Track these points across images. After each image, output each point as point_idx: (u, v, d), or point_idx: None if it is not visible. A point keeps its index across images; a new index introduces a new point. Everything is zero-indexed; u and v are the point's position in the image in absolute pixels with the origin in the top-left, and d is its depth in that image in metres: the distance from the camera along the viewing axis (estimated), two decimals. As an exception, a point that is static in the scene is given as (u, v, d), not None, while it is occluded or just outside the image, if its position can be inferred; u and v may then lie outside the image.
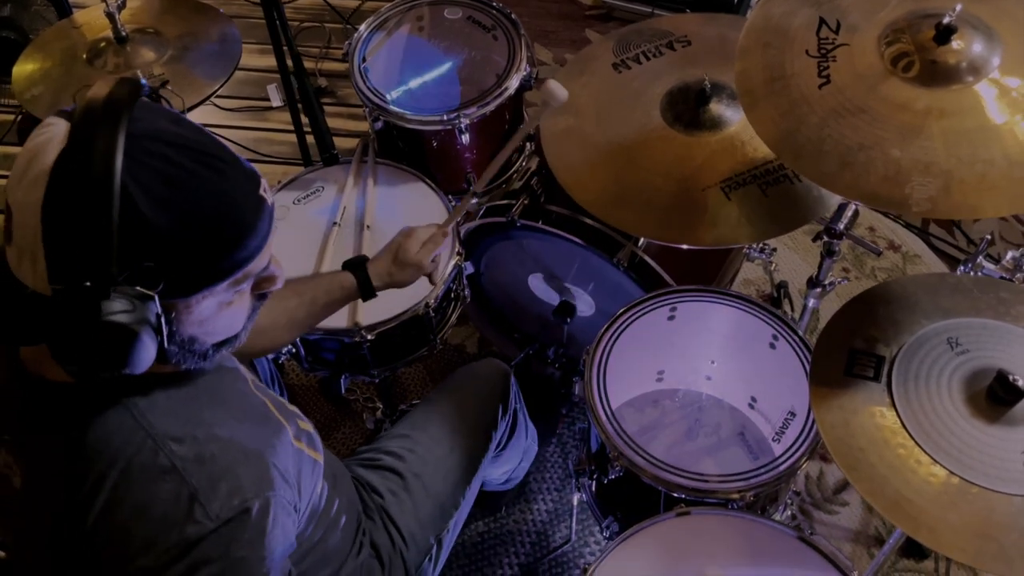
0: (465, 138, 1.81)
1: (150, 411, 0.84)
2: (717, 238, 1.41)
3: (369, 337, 1.54)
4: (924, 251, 2.32)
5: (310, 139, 1.99)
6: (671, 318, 1.52)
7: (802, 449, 1.31)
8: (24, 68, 1.79)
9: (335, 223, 1.69)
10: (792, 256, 2.31)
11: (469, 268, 1.77)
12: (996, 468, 1.07)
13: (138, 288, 0.75)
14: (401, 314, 1.56)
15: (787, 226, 1.43)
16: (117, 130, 0.73)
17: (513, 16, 1.92)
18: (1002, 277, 1.43)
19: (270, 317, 1.24)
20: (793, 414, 1.42)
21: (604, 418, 1.36)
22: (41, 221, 0.73)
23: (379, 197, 1.75)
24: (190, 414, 0.87)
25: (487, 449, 1.47)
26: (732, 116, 1.50)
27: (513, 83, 1.81)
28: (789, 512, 1.53)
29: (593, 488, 1.57)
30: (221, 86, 1.76)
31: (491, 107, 1.79)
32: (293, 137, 2.18)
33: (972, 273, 1.43)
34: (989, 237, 1.47)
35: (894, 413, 1.13)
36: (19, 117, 2.58)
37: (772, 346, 1.47)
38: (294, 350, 1.64)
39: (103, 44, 1.79)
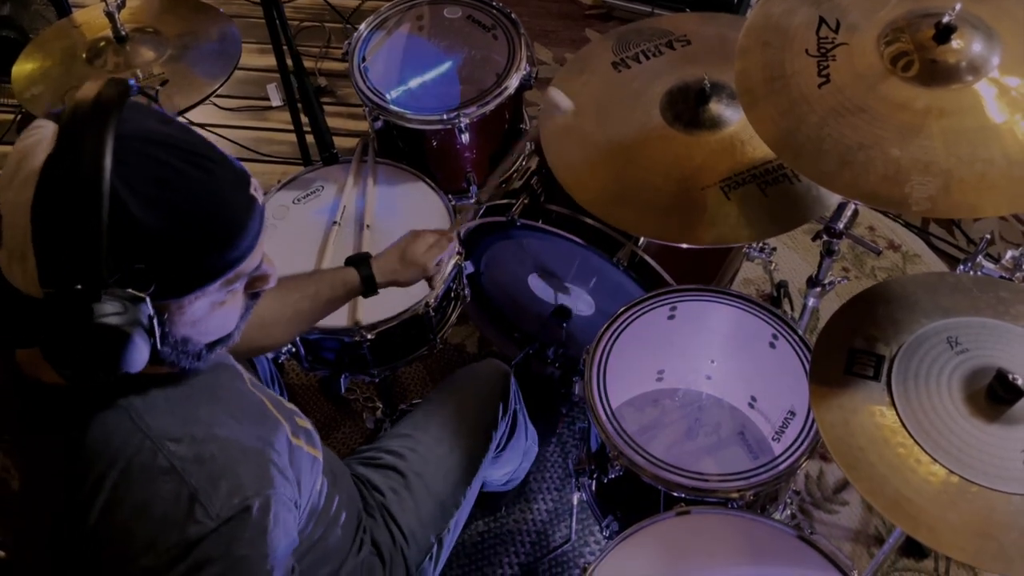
0: (465, 137, 1.81)
1: (147, 412, 0.84)
2: (717, 237, 1.41)
3: (369, 336, 1.54)
4: (924, 250, 2.32)
5: (310, 139, 1.99)
6: (671, 317, 1.52)
7: (802, 448, 1.31)
8: (24, 67, 1.79)
9: (335, 222, 1.69)
10: (792, 255, 2.31)
11: (469, 267, 1.77)
12: (996, 467, 1.07)
13: (129, 290, 0.74)
14: (401, 313, 1.56)
15: (787, 225, 1.43)
16: (105, 131, 0.73)
17: (513, 15, 1.92)
18: (1002, 276, 1.43)
19: (275, 312, 1.25)
20: (793, 413, 1.43)
21: (604, 417, 1.36)
22: (31, 224, 0.73)
23: (379, 196, 1.75)
24: (187, 414, 0.87)
25: (487, 449, 1.47)
26: (732, 116, 1.50)
27: (513, 82, 1.81)
28: (789, 511, 1.53)
29: (593, 487, 1.57)
30: (221, 85, 1.76)
31: (491, 106, 1.79)
32: (293, 137, 2.18)
33: (972, 272, 1.43)
34: (989, 236, 1.47)
35: (894, 412, 1.13)
36: (19, 116, 2.58)
37: (772, 345, 1.47)
38: (294, 349, 1.64)
39: (103, 43, 1.80)
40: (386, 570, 1.28)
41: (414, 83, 1.86)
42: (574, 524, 1.86)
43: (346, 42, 1.90)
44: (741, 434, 1.53)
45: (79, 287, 0.72)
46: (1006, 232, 2.33)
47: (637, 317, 1.48)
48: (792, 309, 2.16)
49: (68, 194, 0.72)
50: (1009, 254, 1.44)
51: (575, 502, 1.84)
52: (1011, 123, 1.11)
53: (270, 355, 1.57)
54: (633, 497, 1.45)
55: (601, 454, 1.45)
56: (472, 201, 1.94)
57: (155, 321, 0.77)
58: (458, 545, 1.82)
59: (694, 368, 1.59)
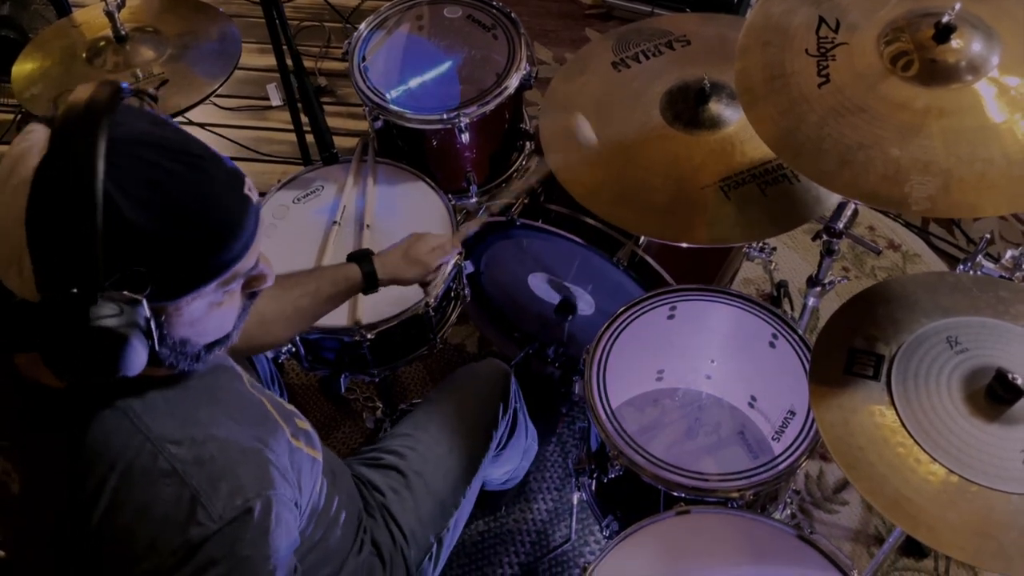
0: (465, 137, 1.81)
1: (147, 414, 0.84)
2: (716, 237, 1.41)
3: (369, 336, 1.54)
4: (924, 250, 2.32)
5: (310, 138, 1.99)
6: (671, 317, 1.52)
7: (802, 448, 1.31)
8: (23, 67, 1.79)
9: (335, 222, 1.69)
10: (792, 255, 2.31)
11: (469, 267, 1.77)
12: (995, 467, 1.07)
13: (126, 293, 0.74)
14: (401, 313, 1.56)
15: (786, 225, 1.43)
16: (97, 135, 0.73)
17: (513, 15, 1.92)
18: (1001, 276, 1.43)
19: (275, 309, 1.25)
20: (793, 413, 1.43)
21: (604, 417, 1.36)
22: (25, 229, 0.73)
23: (379, 196, 1.74)
24: (187, 415, 0.87)
25: (487, 448, 1.47)
26: (731, 115, 1.50)
27: (513, 82, 1.81)
28: (789, 511, 1.53)
29: (593, 487, 1.57)
30: (221, 85, 1.76)
31: (491, 106, 1.79)
32: (293, 136, 2.18)
33: (971, 272, 1.44)
34: (988, 236, 1.47)
35: (893, 412, 1.13)
36: (19, 116, 2.58)
37: (772, 345, 1.47)
38: (294, 349, 1.64)
39: (102, 43, 1.79)
40: (386, 570, 1.28)
41: (414, 83, 1.86)
42: (574, 524, 1.86)
43: (346, 42, 1.90)
44: (741, 434, 1.53)
45: (75, 291, 0.72)
46: (1006, 232, 2.33)
47: (637, 317, 1.48)
48: (792, 309, 2.16)
49: (61, 199, 0.72)
50: (1009, 254, 1.44)
51: (575, 502, 1.84)
52: (1011, 123, 1.11)
53: (270, 355, 1.57)
54: (633, 497, 1.45)
55: (601, 454, 1.45)
56: (473, 201, 1.94)
57: (152, 323, 0.77)
58: (458, 545, 1.82)
59: (694, 368, 1.59)
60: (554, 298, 1.83)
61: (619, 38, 1.68)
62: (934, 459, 1.08)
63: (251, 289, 0.91)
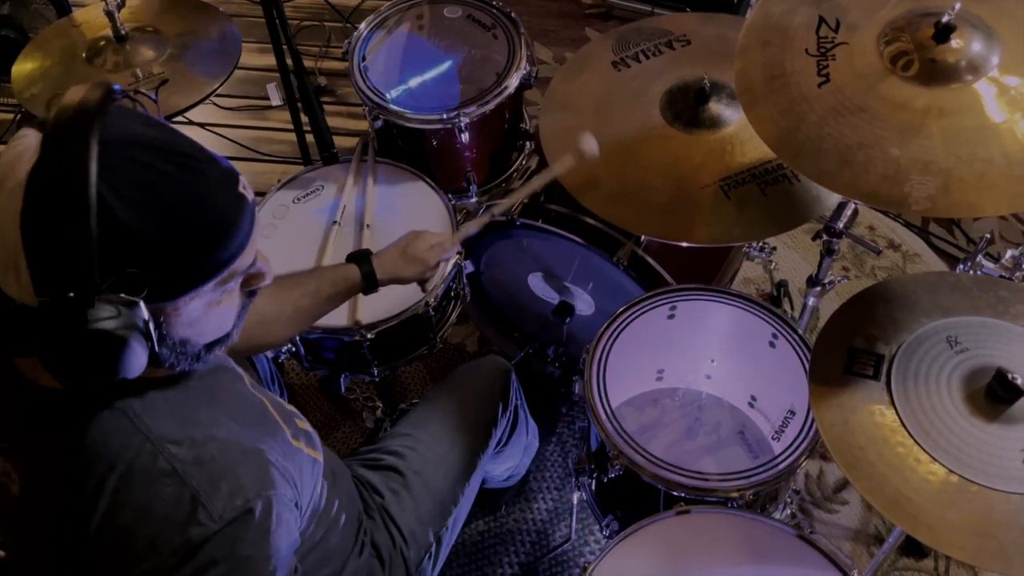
0: (465, 137, 1.81)
1: (147, 414, 0.84)
2: (716, 236, 1.41)
3: (369, 336, 1.54)
4: (924, 250, 2.32)
5: (310, 138, 1.99)
6: (671, 317, 1.52)
7: (801, 448, 1.31)
8: (23, 67, 1.79)
9: (335, 222, 1.69)
10: (792, 255, 2.31)
11: (469, 267, 1.77)
12: (995, 466, 1.07)
13: (122, 295, 0.74)
14: (401, 313, 1.56)
15: (786, 225, 1.43)
16: (89, 138, 0.73)
17: (513, 15, 1.92)
18: (1001, 276, 1.43)
19: (275, 309, 1.25)
20: (793, 413, 1.43)
21: (604, 417, 1.36)
22: (21, 234, 0.73)
23: (379, 196, 1.74)
24: (187, 416, 0.87)
25: (487, 446, 1.47)
26: (731, 115, 1.50)
27: (513, 82, 1.81)
28: (789, 511, 1.53)
29: (593, 487, 1.57)
30: (221, 85, 1.76)
31: (491, 106, 1.79)
32: (293, 136, 2.17)
33: (971, 272, 1.44)
34: (988, 236, 1.47)
35: (893, 412, 1.13)
36: (19, 116, 2.59)
37: (772, 345, 1.47)
38: (294, 349, 1.64)
39: (102, 43, 1.79)
40: (385, 571, 1.28)
41: (414, 82, 1.86)
42: (574, 523, 1.86)
43: (346, 41, 1.90)
44: (741, 433, 1.53)
45: (72, 295, 0.72)
46: (1006, 231, 2.33)
47: (637, 316, 1.48)
48: (792, 308, 2.16)
49: (55, 203, 0.72)
50: (1009, 253, 1.44)
51: (575, 501, 1.84)
52: (1011, 122, 1.11)
53: (270, 354, 1.57)
54: (633, 496, 1.45)
55: (601, 453, 1.45)
56: (474, 201, 1.94)
57: (151, 324, 0.78)
58: (458, 544, 1.83)
59: (694, 367, 1.59)
60: (554, 298, 1.83)
61: (619, 38, 1.68)
62: (934, 459, 1.08)
63: (250, 287, 0.91)
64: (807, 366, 1.31)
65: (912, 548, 1.80)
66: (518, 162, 2.01)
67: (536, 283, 1.84)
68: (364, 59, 1.87)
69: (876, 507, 1.07)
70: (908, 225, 2.37)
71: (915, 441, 1.10)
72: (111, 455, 0.82)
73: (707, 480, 1.30)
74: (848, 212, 1.43)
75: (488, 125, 1.85)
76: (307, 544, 1.09)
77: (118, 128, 0.76)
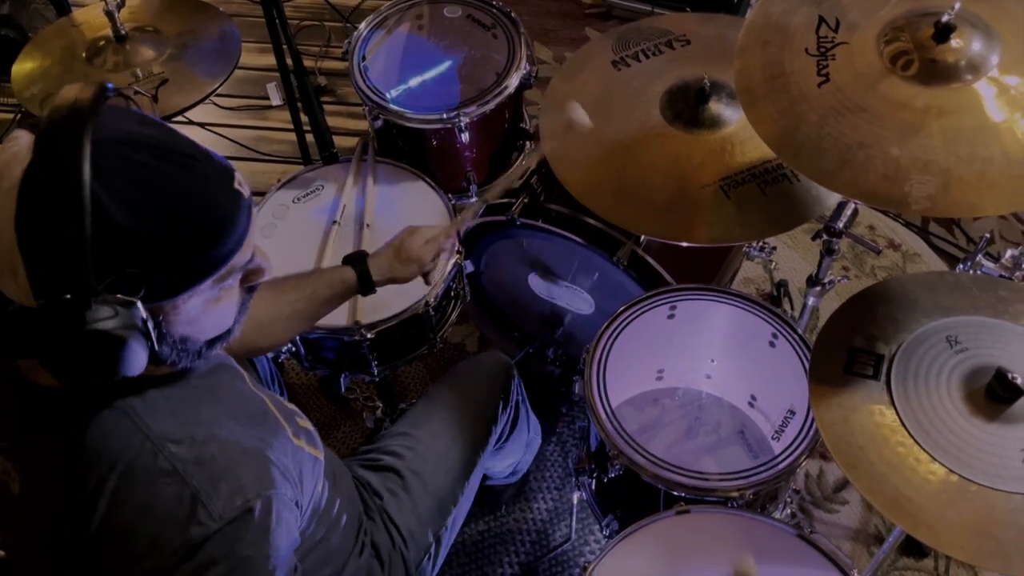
0: (465, 137, 1.81)
1: (147, 413, 0.84)
2: (716, 236, 1.41)
3: (369, 336, 1.54)
4: (924, 249, 2.32)
5: (310, 138, 2.00)
6: (671, 317, 1.52)
7: (801, 447, 1.31)
8: (23, 67, 1.79)
9: (335, 222, 1.69)
10: (792, 254, 2.31)
11: (469, 267, 1.77)
12: (995, 466, 1.07)
13: (119, 295, 0.74)
14: (401, 313, 1.56)
15: (786, 225, 1.43)
16: (82, 138, 0.72)
17: (513, 14, 1.92)
18: (1001, 275, 1.43)
19: (273, 312, 1.25)
20: (793, 412, 1.43)
21: (604, 416, 1.36)
22: (16, 236, 0.73)
23: (379, 196, 1.75)
24: (187, 415, 0.87)
25: (487, 443, 1.47)
26: (731, 115, 1.50)
27: (513, 82, 1.81)
28: (789, 510, 1.53)
29: (593, 487, 1.57)
30: (220, 85, 1.76)
31: (491, 106, 1.79)
32: (293, 136, 2.18)
33: (971, 271, 1.43)
34: (988, 235, 1.47)
35: (893, 411, 1.13)
36: (18, 116, 2.58)
37: (772, 344, 1.47)
38: (294, 349, 1.64)
39: (102, 42, 1.79)
40: (385, 571, 1.28)
41: (414, 82, 1.86)
42: (574, 523, 1.86)
43: (346, 41, 1.90)
44: (741, 433, 1.53)
45: (68, 297, 0.72)
46: (1006, 231, 2.33)
47: (637, 316, 1.48)
48: (792, 308, 2.16)
49: (49, 205, 0.72)
50: (1008, 253, 1.44)
51: (575, 501, 1.84)
52: (1010, 122, 1.11)
53: (270, 354, 1.57)
54: (633, 496, 1.45)
55: (601, 453, 1.45)
56: (474, 200, 1.94)
57: (150, 323, 0.77)
58: (458, 544, 1.83)
59: (694, 367, 1.59)
60: (554, 297, 1.83)
61: (619, 37, 1.68)
62: (934, 458, 1.08)
63: (249, 283, 0.91)
64: (807, 366, 1.31)
65: (912, 548, 1.80)
66: (518, 162, 2.01)
67: (536, 283, 1.84)
68: (364, 59, 1.87)
69: (876, 507, 1.07)
70: (908, 225, 2.37)
71: (915, 441, 1.10)
72: (112, 454, 0.82)
73: (707, 480, 1.30)
74: (848, 212, 1.43)
75: (488, 125, 1.85)
76: (307, 544, 1.09)
77: (111, 127, 0.76)
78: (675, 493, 1.31)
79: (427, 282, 1.46)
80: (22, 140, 0.75)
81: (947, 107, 1.14)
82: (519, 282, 1.86)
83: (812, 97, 1.19)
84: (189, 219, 0.78)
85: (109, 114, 0.77)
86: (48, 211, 0.72)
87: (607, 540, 1.46)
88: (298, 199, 1.74)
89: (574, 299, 1.80)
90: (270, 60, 2.00)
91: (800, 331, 1.45)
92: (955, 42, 1.16)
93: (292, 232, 1.69)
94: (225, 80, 1.76)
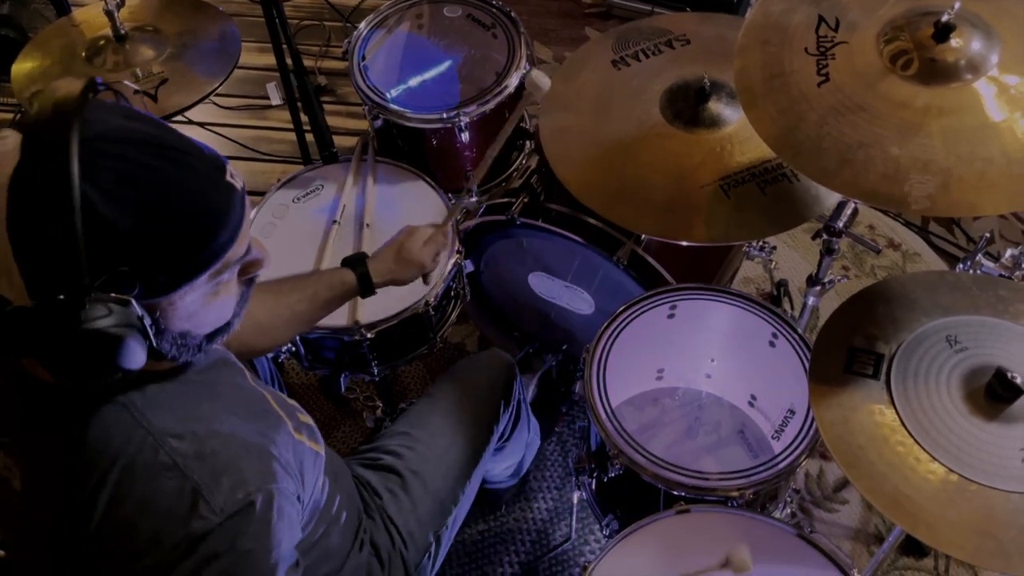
0: (465, 136, 1.81)
1: (148, 409, 0.84)
2: (716, 235, 1.41)
3: (369, 335, 1.54)
4: (924, 249, 2.32)
5: (309, 137, 1.99)
6: (671, 316, 1.52)
7: (801, 447, 1.31)
8: (23, 66, 1.79)
9: (335, 221, 1.69)
10: (792, 254, 2.31)
11: (469, 266, 1.77)
12: (995, 465, 1.07)
13: (114, 294, 0.74)
14: (401, 312, 1.56)
15: (786, 224, 1.43)
16: (69, 137, 0.71)
17: (513, 14, 1.92)
18: (1001, 275, 1.43)
19: (272, 314, 1.24)
20: (793, 412, 1.43)
21: (604, 416, 1.36)
22: (9, 238, 0.72)
23: (379, 195, 1.75)
24: (188, 410, 0.87)
25: (488, 442, 1.46)
26: (731, 115, 1.50)
27: (513, 81, 1.81)
28: (789, 510, 1.53)
29: (593, 486, 1.57)
30: (220, 84, 1.76)
31: (491, 105, 1.79)
32: (292, 135, 2.17)
33: (971, 271, 1.43)
34: (988, 235, 1.47)
35: (893, 411, 1.13)
36: (18, 116, 2.59)
37: (772, 344, 1.47)
38: (294, 348, 1.64)
39: (102, 42, 1.79)
40: (384, 571, 1.28)
41: (414, 82, 1.86)
42: (574, 523, 1.86)
43: (346, 41, 1.90)
44: (741, 433, 1.53)
45: (62, 297, 0.72)
46: (1005, 230, 2.33)
47: (637, 316, 1.48)
48: (792, 308, 2.16)
49: (38, 205, 0.71)
50: (1008, 252, 1.44)
51: (575, 501, 1.84)
52: (1010, 121, 1.11)
53: (269, 354, 1.57)
54: (633, 496, 1.45)
55: (601, 453, 1.45)
56: (474, 200, 1.94)
57: (147, 320, 0.77)
58: (458, 544, 1.83)
59: (694, 367, 1.59)
60: (554, 297, 1.83)
61: (619, 37, 1.68)
62: (934, 458, 1.08)
63: (247, 275, 0.91)
64: (807, 365, 1.31)
65: (912, 547, 1.80)
66: (518, 161, 2.01)
67: (536, 282, 1.84)
68: (364, 58, 1.87)
69: (876, 506, 1.07)
70: (908, 224, 2.37)
71: (915, 440, 1.10)
72: (112, 450, 0.82)
73: (707, 479, 1.30)
74: (848, 211, 1.43)
75: (488, 124, 1.85)
76: (307, 541, 1.09)
77: (100, 124, 0.75)
78: (675, 493, 1.31)
79: (426, 282, 1.46)
80: (10, 141, 0.74)
81: (947, 107, 1.14)
82: (519, 282, 1.86)
83: (812, 97, 1.19)
84: (181, 215, 0.77)
85: (97, 110, 0.76)
86: (38, 212, 0.71)
87: (607, 540, 1.46)
88: (298, 199, 1.74)
89: (574, 299, 1.80)
90: (270, 60, 2.00)
91: (800, 331, 1.45)
92: (955, 41, 1.16)
93: (292, 232, 1.69)
94: (225, 80, 1.76)
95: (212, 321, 0.88)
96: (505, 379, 1.51)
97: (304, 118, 1.97)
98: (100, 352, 0.75)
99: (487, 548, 1.85)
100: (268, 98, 2.75)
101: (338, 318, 1.53)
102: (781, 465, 1.31)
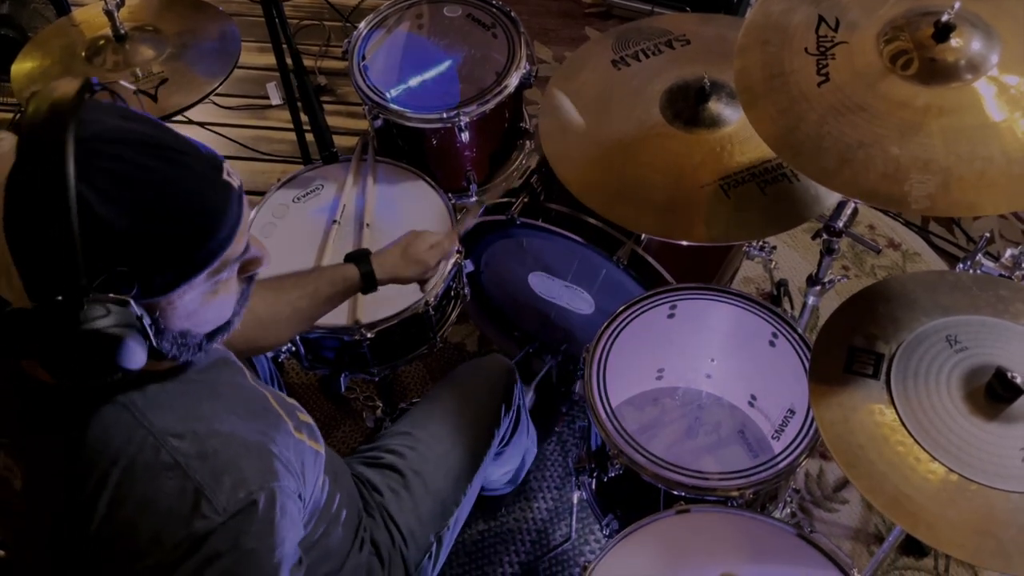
0: (465, 136, 1.81)
1: (149, 408, 0.84)
2: (716, 235, 1.41)
3: (369, 335, 1.54)
4: (924, 249, 2.32)
5: (309, 137, 1.99)
6: (671, 316, 1.52)
7: (801, 447, 1.31)
8: (23, 66, 1.79)
9: (335, 221, 1.69)
10: (792, 254, 2.31)
11: (469, 266, 1.77)
12: (994, 465, 1.07)
13: (112, 294, 0.74)
14: (401, 312, 1.56)
15: (786, 224, 1.43)
16: (65, 138, 0.71)
17: (512, 14, 1.92)
18: (1001, 275, 1.43)
19: (274, 310, 1.25)
20: (793, 412, 1.43)
21: (604, 416, 1.36)
22: (6, 240, 0.72)
23: (379, 195, 1.74)
24: (188, 410, 0.87)
25: (489, 446, 1.46)
26: (731, 115, 1.50)
27: (513, 81, 1.81)
28: (789, 510, 1.53)
29: (593, 486, 1.57)
30: (220, 84, 1.76)
31: (491, 105, 1.79)
32: (292, 135, 2.18)
33: (971, 271, 1.43)
34: (988, 235, 1.47)
35: (893, 410, 1.13)
36: (18, 116, 2.58)
37: (772, 344, 1.47)
38: (294, 348, 1.64)
39: (102, 42, 1.79)
40: (385, 570, 1.28)
41: (414, 82, 1.86)
42: (574, 523, 1.86)
43: (346, 40, 1.90)
44: (741, 432, 1.53)
45: (60, 298, 0.72)
46: (1006, 230, 2.33)
47: (637, 316, 1.48)
48: (792, 308, 2.16)
49: (34, 207, 0.71)
50: (1008, 252, 1.44)
51: (575, 501, 1.84)
52: (1010, 121, 1.11)
53: (269, 354, 1.57)
54: (633, 496, 1.45)
55: (601, 453, 1.45)
56: (473, 200, 1.94)
57: (146, 320, 0.77)
58: (458, 544, 1.83)
59: (694, 367, 1.59)
60: (554, 297, 1.83)
61: (619, 36, 1.68)
62: (933, 457, 1.08)
63: (247, 273, 0.91)
64: (807, 365, 1.31)
65: (912, 547, 1.80)
66: (518, 161, 2.01)
67: (536, 282, 1.84)
68: (364, 58, 1.87)
69: (876, 506, 1.07)
70: (908, 224, 2.37)
71: (915, 440, 1.10)
72: (113, 450, 0.82)
73: (707, 479, 1.30)
74: (848, 211, 1.43)
75: (488, 124, 1.85)
76: (308, 540, 1.08)
77: (95, 125, 0.75)
78: (675, 492, 1.31)
79: (423, 289, 1.46)
80: (5, 143, 0.74)
81: (947, 106, 1.14)
82: (519, 282, 1.86)
83: (812, 96, 1.19)
84: (178, 214, 0.77)
85: (92, 111, 0.76)
86: (34, 213, 0.71)
87: (607, 539, 1.46)
88: (298, 199, 1.74)
89: (574, 299, 1.80)
90: (270, 59, 2.00)
91: (800, 330, 1.45)
92: (955, 41, 1.16)
93: (292, 232, 1.68)
94: (225, 80, 1.76)
95: (212, 320, 0.88)
96: (505, 383, 1.51)
97: (304, 118, 1.97)
98: (100, 352, 0.75)
99: (487, 548, 1.85)
100: (268, 98, 2.75)
101: (338, 318, 1.53)
102: (781, 465, 1.31)
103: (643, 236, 1.61)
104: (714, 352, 1.58)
